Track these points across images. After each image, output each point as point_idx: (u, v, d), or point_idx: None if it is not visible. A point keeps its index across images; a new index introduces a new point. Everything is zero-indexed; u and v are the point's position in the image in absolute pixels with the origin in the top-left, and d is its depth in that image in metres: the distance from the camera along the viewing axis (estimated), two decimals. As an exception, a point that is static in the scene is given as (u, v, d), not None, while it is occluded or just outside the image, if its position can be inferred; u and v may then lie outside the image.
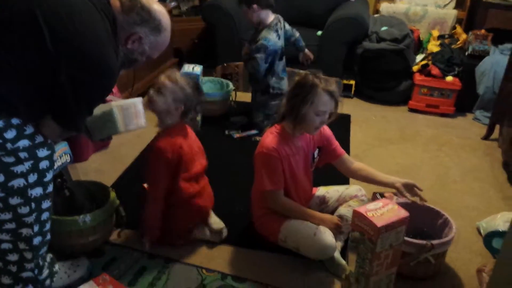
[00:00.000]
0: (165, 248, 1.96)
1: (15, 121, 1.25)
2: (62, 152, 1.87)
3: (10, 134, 1.24)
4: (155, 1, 1.46)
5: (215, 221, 2.04)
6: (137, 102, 1.95)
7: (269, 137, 1.89)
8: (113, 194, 1.99)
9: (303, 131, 1.92)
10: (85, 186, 2.08)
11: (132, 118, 1.92)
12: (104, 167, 2.47)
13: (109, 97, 1.82)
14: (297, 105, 1.81)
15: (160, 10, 1.45)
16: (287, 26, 3.05)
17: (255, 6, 2.84)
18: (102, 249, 1.95)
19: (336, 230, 1.91)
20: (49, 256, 1.66)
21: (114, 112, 1.82)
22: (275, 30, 2.91)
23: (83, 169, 2.56)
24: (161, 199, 1.89)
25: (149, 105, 1.90)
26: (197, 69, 3.00)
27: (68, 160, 1.92)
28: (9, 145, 1.24)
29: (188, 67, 3.01)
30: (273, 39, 2.87)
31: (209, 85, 3.43)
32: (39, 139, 1.32)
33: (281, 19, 3.00)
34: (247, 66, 2.96)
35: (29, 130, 1.29)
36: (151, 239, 1.93)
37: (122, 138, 2.93)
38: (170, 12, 3.82)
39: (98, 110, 1.85)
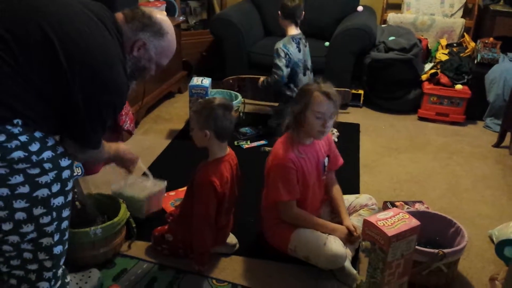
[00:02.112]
0: (175, 259, 1.97)
1: (38, 134, 1.28)
2: (73, 166, 1.90)
3: (34, 147, 1.27)
4: (157, 10, 1.50)
5: (229, 236, 2.06)
6: (163, 190, 2.23)
7: (283, 148, 1.90)
8: (123, 207, 2.01)
9: (308, 136, 1.93)
10: (96, 199, 2.10)
11: (155, 204, 2.20)
12: (115, 180, 2.48)
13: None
14: (297, 111, 1.87)
15: (160, 16, 1.49)
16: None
17: (279, 13, 3.09)
18: (113, 261, 1.96)
19: (348, 240, 1.91)
20: (61, 268, 1.67)
21: (142, 204, 2.11)
22: (297, 42, 3.07)
23: (94, 181, 2.58)
24: (213, 225, 1.91)
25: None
26: (206, 81, 3.03)
27: (80, 173, 1.94)
28: (34, 158, 1.27)
29: (197, 80, 3.04)
30: (292, 48, 3.03)
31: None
32: (60, 149, 1.36)
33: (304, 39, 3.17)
34: (271, 78, 3.09)
35: (51, 141, 1.33)
36: (204, 263, 1.92)
37: (132, 150, 2.94)
38: (178, 26, 3.87)
39: (130, 189, 2.15)
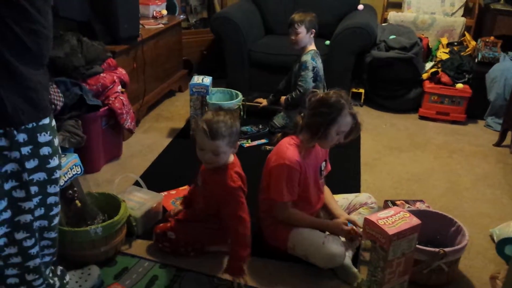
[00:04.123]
0: (176, 258, 1.97)
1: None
2: (72, 164, 1.90)
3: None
4: None
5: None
6: (160, 204, 2.20)
7: (290, 149, 1.89)
8: (124, 205, 2.01)
9: (319, 144, 1.95)
10: (96, 197, 2.10)
11: (151, 221, 2.15)
12: (116, 178, 2.48)
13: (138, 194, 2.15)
14: (323, 124, 1.84)
15: None
16: None
17: (313, 30, 3.05)
18: (114, 259, 1.96)
19: (346, 232, 1.90)
20: (59, 269, 1.67)
21: (136, 224, 2.07)
22: (319, 57, 3.10)
23: (94, 180, 2.59)
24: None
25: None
26: (207, 80, 3.03)
27: (79, 172, 1.95)
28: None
29: (197, 79, 3.04)
30: (318, 62, 3.06)
31: (218, 96, 3.45)
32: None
33: None
34: (295, 92, 3.08)
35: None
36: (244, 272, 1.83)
37: (133, 149, 2.96)
38: (179, 24, 3.87)
39: (137, 209, 2.10)
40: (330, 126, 1.84)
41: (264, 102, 3.42)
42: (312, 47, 3.10)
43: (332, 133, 1.86)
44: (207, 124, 1.73)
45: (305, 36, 3.03)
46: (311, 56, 3.02)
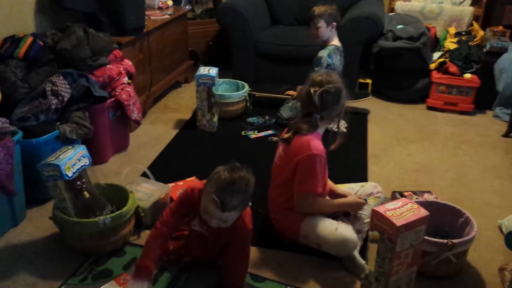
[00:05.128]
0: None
1: None
2: (80, 156, 1.91)
3: None
4: None
5: None
6: (167, 195, 2.20)
7: (314, 140, 1.88)
8: (132, 196, 2.02)
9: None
10: (105, 188, 2.11)
11: (159, 212, 2.04)
12: (123, 169, 2.49)
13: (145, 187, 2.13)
14: (339, 111, 1.91)
15: None
16: None
17: (334, 23, 2.99)
18: (123, 249, 1.97)
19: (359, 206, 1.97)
20: None
21: (144, 215, 2.07)
22: (340, 53, 3.04)
23: (102, 171, 2.60)
24: None
25: None
26: (213, 71, 3.02)
27: (87, 163, 1.95)
28: None
29: (203, 70, 3.03)
30: (335, 60, 2.98)
31: (224, 87, 3.44)
32: None
33: None
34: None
35: None
36: None
37: (140, 140, 2.97)
38: (185, 15, 3.85)
39: (145, 200, 2.11)
40: (339, 107, 1.89)
41: (295, 93, 3.31)
42: (335, 42, 3.04)
43: (339, 109, 1.90)
44: (220, 196, 1.52)
45: (326, 30, 2.99)
46: (328, 53, 2.96)
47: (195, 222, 1.77)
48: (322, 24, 2.97)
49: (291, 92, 3.39)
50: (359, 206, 1.95)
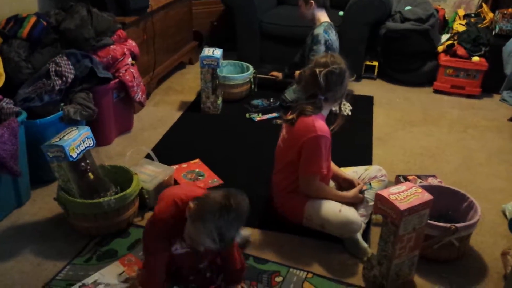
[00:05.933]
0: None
1: None
2: (84, 137, 1.91)
3: None
4: None
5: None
6: (171, 177, 2.19)
7: (317, 120, 1.86)
8: (136, 178, 2.02)
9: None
10: (109, 170, 2.11)
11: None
12: (127, 151, 2.50)
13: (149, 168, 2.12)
14: (343, 93, 1.90)
15: None
16: None
17: (311, 2, 2.95)
18: (128, 231, 1.99)
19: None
20: None
21: (148, 197, 2.08)
22: (334, 29, 3.03)
23: (106, 153, 2.60)
24: None
25: None
26: (217, 52, 2.99)
27: (91, 144, 1.95)
28: None
29: (208, 51, 3.00)
30: (332, 35, 2.98)
31: (229, 69, 3.42)
32: None
33: None
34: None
35: None
36: None
37: (144, 122, 2.97)
38: (190, -5, 3.80)
39: (149, 182, 2.11)
40: (344, 93, 1.89)
41: (279, 75, 3.37)
42: (324, 18, 3.02)
43: (342, 90, 1.89)
44: (219, 230, 1.36)
45: (307, 11, 2.99)
46: (324, 29, 2.95)
47: (177, 246, 1.57)
48: (301, 2, 3.00)
49: (275, 73, 3.38)
50: (358, 200, 1.98)
